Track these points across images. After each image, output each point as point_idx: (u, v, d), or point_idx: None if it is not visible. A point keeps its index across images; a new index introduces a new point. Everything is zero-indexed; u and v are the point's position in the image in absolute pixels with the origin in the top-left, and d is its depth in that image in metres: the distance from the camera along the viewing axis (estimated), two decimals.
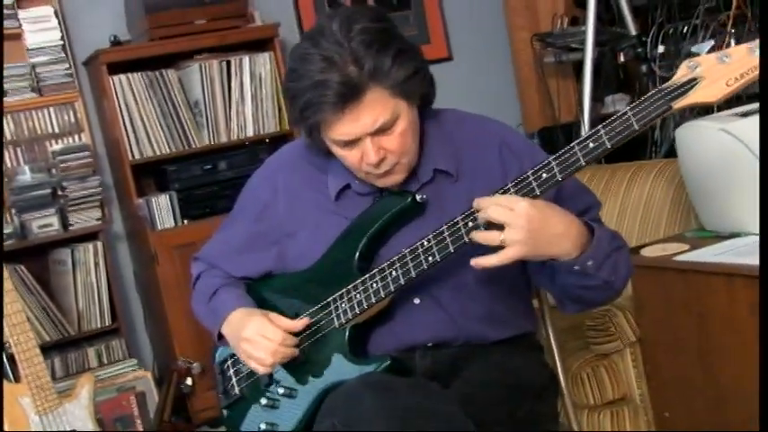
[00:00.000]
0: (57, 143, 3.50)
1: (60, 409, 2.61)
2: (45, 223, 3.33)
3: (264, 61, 3.59)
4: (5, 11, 3.38)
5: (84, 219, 3.42)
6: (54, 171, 3.40)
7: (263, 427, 1.69)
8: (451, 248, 1.49)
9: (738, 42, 2.75)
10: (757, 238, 1.94)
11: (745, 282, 1.85)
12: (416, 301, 1.62)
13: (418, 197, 1.59)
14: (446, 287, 1.61)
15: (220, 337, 1.76)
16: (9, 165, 3.43)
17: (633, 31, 3.50)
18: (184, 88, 3.51)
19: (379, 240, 1.62)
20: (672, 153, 3.20)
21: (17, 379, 2.59)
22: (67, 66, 3.48)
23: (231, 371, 1.80)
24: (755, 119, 1.96)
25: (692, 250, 2.03)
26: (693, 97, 1.32)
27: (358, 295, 1.58)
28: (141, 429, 3.22)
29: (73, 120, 3.54)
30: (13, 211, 3.34)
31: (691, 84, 1.33)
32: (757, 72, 1.29)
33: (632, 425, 2.31)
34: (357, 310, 1.59)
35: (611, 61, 3.60)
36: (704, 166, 2.11)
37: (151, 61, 3.45)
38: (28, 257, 3.32)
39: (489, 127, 1.70)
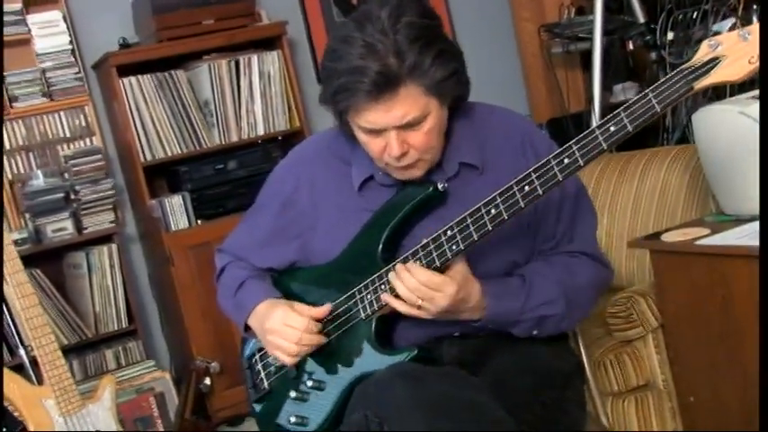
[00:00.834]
0: (68, 147, 3.51)
1: (84, 411, 2.62)
2: (59, 227, 3.34)
3: (273, 59, 3.59)
4: (14, 17, 3.38)
5: (98, 222, 3.43)
6: (66, 175, 3.41)
7: (292, 420, 1.69)
8: (475, 236, 1.49)
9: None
10: None
11: None
12: None
13: (440, 186, 1.59)
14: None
15: (247, 329, 1.76)
16: (22, 170, 3.43)
17: (641, 18, 3.50)
18: (194, 88, 3.52)
19: (403, 230, 1.62)
20: (684, 139, 3.20)
21: (40, 381, 2.59)
22: (77, 70, 3.49)
23: (260, 365, 1.81)
24: None
25: (714, 234, 2.03)
26: (716, 76, 1.31)
27: (383, 286, 1.58)
28: (162, 430, 3.23)
29: (84, 123, 3.55)
30: (28, 215, 3.36)
31: (713, 63, 1.32)
32: None
33: (657, 411, 2.31)
34: (382, 302, 1.58)
35: (620, 50, 3.59)
36: (723, 150, 2.10)
37: (160, 63, 3.46)
38: (43, 262, 3.33)
39: (516, 121, 1.71)
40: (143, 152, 3.41)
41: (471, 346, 1.65)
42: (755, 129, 1.97)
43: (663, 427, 2.32)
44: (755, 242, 1.91)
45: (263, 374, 1.79)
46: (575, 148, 1.42)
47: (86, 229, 3.41)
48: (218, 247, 1.90)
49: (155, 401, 3.22)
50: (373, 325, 1.61)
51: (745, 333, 1.95)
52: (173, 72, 3.46)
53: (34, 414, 2.54)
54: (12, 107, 3.40)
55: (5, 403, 2.58)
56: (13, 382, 2.56)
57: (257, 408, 1.80)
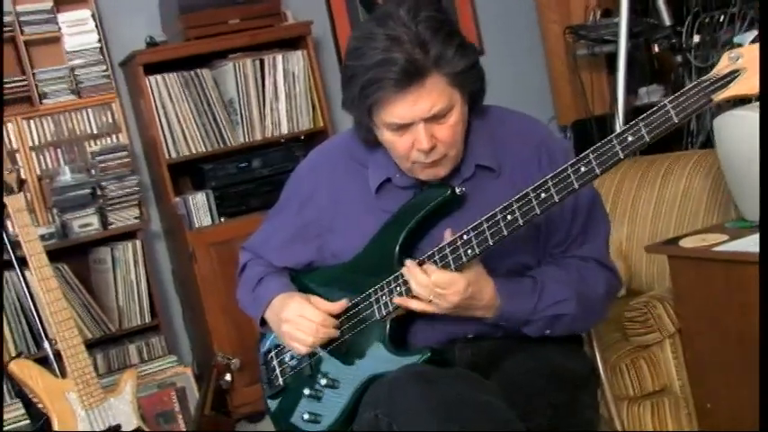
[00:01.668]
0: (95, 143, 3.55)
1: (105, 404, 2.65)
2: (85, 222, 3.39)
3: (298, 59, 3.62)
4: (45, 15, 3.44)
5: (123, 218, 3.48)
6: (93, 171, 3.46)
7: (306, 417, 1.72)
8: (491, 241, 1.50)
9: None
10: None
11: None
12: None
13: (458, 190, 1.60)
14: None
15: (263, 323, 1.78)
16: (50, 165, 3.49)
17: (667, 21, 3.48)
18: (219, 87, 3.55)
19: (420, 232, 1.64)
20: (708, 143, 3.18)
21: (64, 375, 2.64)
22: (105, 67, 3.54)
23: (275, 361, 1.83)
24: None
25: (732, 240, 2.02)
26: (735, 89, 1.31)
27: (399, 288, 1.60)
28: (183, 424, 3.27)
29: (110, 120, 3.60)
30: (55, 210, 3.41)
31: (732, 75, 1.32)
32: None
33: (673, 416, 2.30)
34: (397, 303, 1.60)
35: (645, 52, 3.57)
36: (743, 156, 2.09)
37: (186, 61, 3.49)
38: (69, 256, 3.38)
39: (532, 126, 1.72)
40: (168, 149, 3.45)
41: (484, 348, 1.66)
42: None
43: None
44: None
45: (278, 371, 1.81)
46: (591, 156, 1.42)
47: (112, 224, 3.45)
48: (242, 245, 1.93)
49: (176, 396, 3.25)
50: (388, 326, 1.63)
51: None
52: (198, 71, 3.50)
53: (57, 406, 2.58)
54: (41, 104, 3.45)
55: (29, 395, 2.63)
56: (37, 374, 2.60)
57: (271, 404, 1.83)
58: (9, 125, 3.41)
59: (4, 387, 2.99)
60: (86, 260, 3.52)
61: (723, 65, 1.33)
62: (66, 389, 2.61)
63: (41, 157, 3.50)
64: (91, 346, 3.33)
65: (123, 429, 2.67)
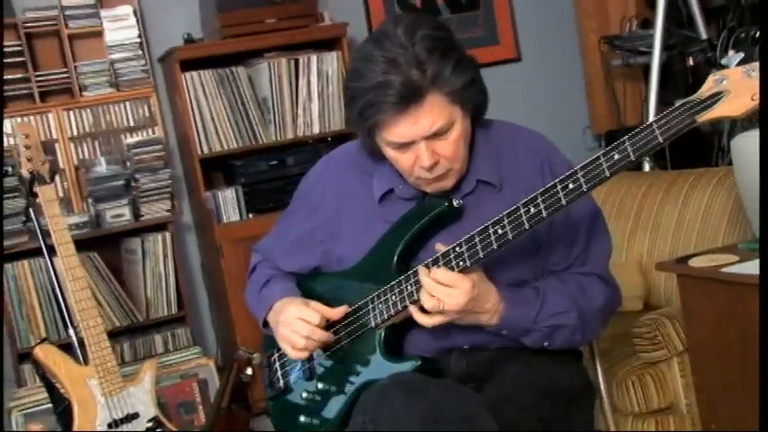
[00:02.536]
0: (131, 136, 3.64)
1: (125, 392, 2.73)
2: (118, 213, 3.48)
3: (332, 60, 3.66)
4: (89, 10, 3.54)
5: (155, 210, 3.56)
6: (128, 163, 3.55)
7: (302, 419, 1.76)
8: (481, 254, 1.52)
9: None
10: None
11: None
12: None
13: (455, 202, 1.63)
14: None
15: (266, 324, 1.83)
16: (87, 156, 3.59)
17: (704, 34, 3.44)
18: (253, 85, 3.61)
19: (418, 243, 1.66)
20: None
21: (86, 362, 2.72)
22: (144, 62, 3.63)
23: (277, 363, 1.87)
24: None
25: (741, 262, 2.00)
26: (718, 111, 1.33)
27: (393, 297, 1.63)
28: (203, 416, 3.33)
29: (147, 114, 3.68)
30: (90, 200, 3.51)
31: (716, 97, 1.33)
32: None
33: None
34: (392, 312, 1.63)
35: (680, 65, 3.54)
36: (758, 177, 2.07)
37: (222, 59, 3.56)
38: (101, 246, 3.47)
39: (536, 142, 1.73)
40: (200, 145, 3.52)
41: (480, 359, 1.68)
42: None
43: None
44: None
45: (279, 373, 1.85)
46: (579, 174, 1.44)
47: (143, 216, 3.54)
48: (254, 246, 1.98)
49: (197, 387, 3.32)
50: (383, 333, 1.66)
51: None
52: (233, 68, 3.56)
53: (78, 392, 2.67)
54: (81, 96, 3.55)
55: (52, 380, 2.72)
56: (60, 360, 2.69)
57: (272, 404, 1.87)
58: (50, 115, 3.52)
59: (30, 371, 3.10)
60: (118, 250, 3.61)
61: (708, 86, 1.35)
62: (87, 375, 2.69)
63: (79, 147, 3.60)
64: (118, 334, 3.43)
65: (141, 418, 2.74)
